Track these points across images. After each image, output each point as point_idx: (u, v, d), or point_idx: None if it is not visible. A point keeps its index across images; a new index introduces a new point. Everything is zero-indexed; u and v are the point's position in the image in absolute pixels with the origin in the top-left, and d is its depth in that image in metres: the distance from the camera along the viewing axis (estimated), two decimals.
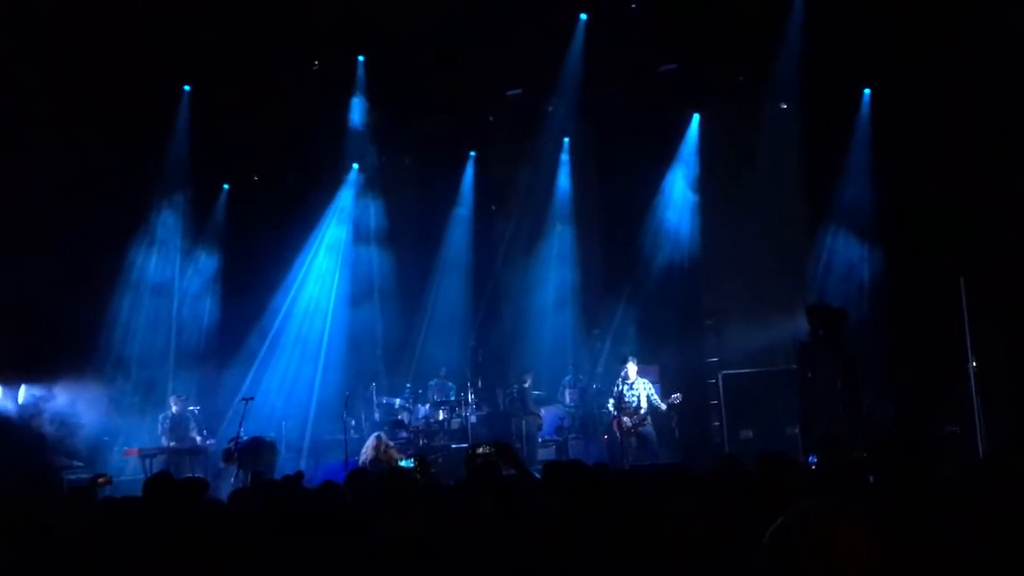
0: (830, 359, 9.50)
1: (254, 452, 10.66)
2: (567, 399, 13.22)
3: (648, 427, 11.49)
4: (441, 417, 13.04)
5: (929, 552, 2.86)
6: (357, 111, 14.13)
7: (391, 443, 11.94)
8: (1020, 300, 10.15)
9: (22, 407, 11.62)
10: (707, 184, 13.48)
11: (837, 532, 1.97)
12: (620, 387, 11.56)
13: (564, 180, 14.63)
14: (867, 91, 12.42)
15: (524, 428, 12.72)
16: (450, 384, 13.68)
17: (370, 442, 11.69)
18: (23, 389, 11.69)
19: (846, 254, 12.01)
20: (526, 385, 12.99)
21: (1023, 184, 10.28)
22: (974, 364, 10.22)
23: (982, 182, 10.65)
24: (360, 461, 11.55)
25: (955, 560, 2.91)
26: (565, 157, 14.64)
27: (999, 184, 10.51)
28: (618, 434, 11.56)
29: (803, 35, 12.05)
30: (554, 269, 14.31)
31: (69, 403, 11.86)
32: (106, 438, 12.20)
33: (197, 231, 14.37)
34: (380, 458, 11.52)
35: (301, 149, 13.97)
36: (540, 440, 12.92)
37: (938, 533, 3.17)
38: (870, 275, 11.76)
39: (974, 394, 10.18)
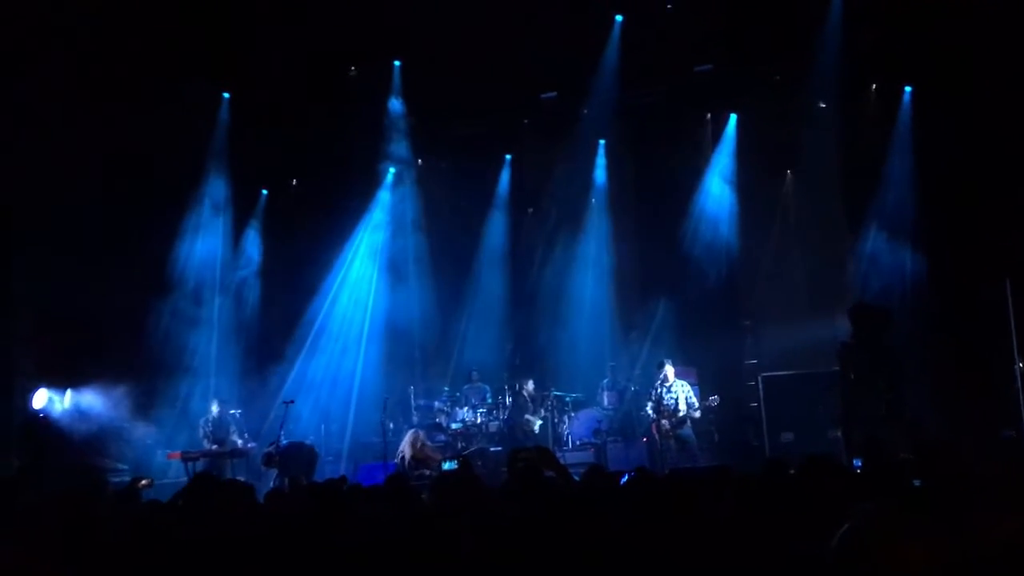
0: (873, 360, 9.36)
1: (294, 456, 10.75)
2: (605, 401, 13.17)
3: (687, 429, 11.41)
4: (479, 420, 13.05)
5: (982, 553, 2.77)
6: (394, 115, 14.21)
7: (428, 441, 11.99)
8: None
9: (67, 410, 11.81)
10: (745, 184, 13.38)
11: (904, 536, 1.93)
12: (659, 390, 11.49)
13: (600, 182, 14.60)
14: (908, 89, 12.25)
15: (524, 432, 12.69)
16: (486, 387, 13.72)
17: (407, 439, 11.74)
18: (68, 393, 11.88)
19: (888, 254, 11.84)
20: (523, 392, 12.94)
21: None
22: (1021, 365, 10.04)
23: None
24: (398, 460, 11.62)
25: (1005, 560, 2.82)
26: (601, 159, 14.60)
27: None
28: (656, 437, 11.49)
29: (842, 32, 11.92)
30: (591, 271, 14.28)
31: (113, 406, 12.03)
32: (149, 441, 12.36)
33: (236, 235, 14.51)
34: (417, 456, 11.57)
35: (338, 153, 14.06)
36: (578, 443, 12.86)
37: (986, 534, 3.07)
38: (912, 276, 11.58)
39: (1021, 395, 10.00)
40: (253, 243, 14.60)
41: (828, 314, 11.68)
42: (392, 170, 14.72)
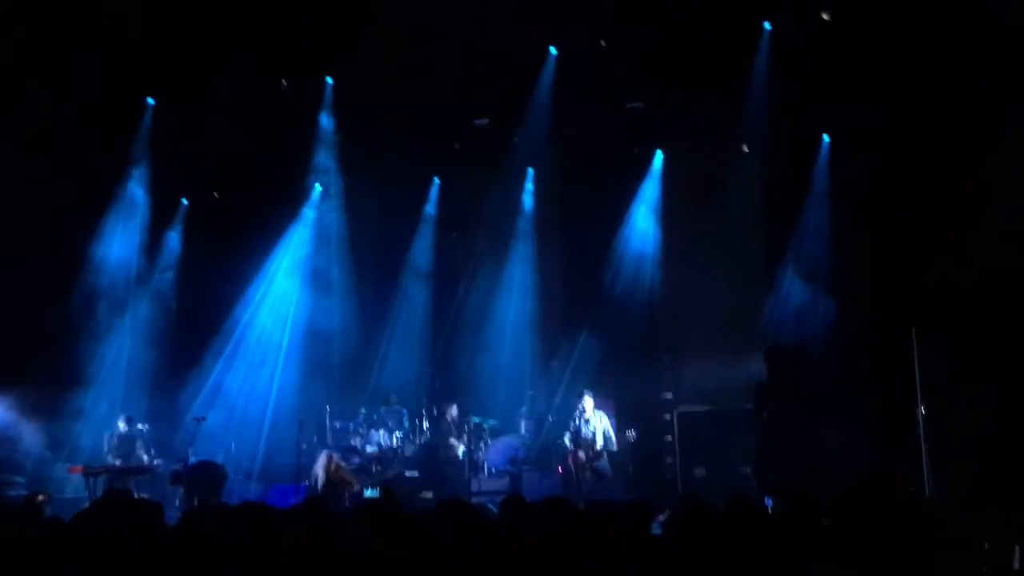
0: (786, 401, 9.60)
1: (202, 476, 10.44)
2: (523, 429, 13.17)
3: (604, 462, 11.50)
4: (395, 444, 12.91)
5: None
6: (324, 131, 14.07)
7: (342, 463, 11.78)
8: (968, 348, 10.33)
9: None
10: (670, 221, 13.64)
11: None
12: (577, 421, 11.57)
13: (528, 210, 14.71)
14: (826, 137, 12.68)
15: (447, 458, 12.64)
16: (403, 410, 13.60)
17: (320, 461, 11.51)
18: None
19: (803, 298, 12.18)
20: (446, 416, 12.92)
21: (975, 233, 10.51)
22: (922, 410, 10.41)
23: (935, 230, 10.88)
24: (311, 483, 11.39)
25: None
26: (530, 188, 14.72)
27: (951, 232, 10.74)
28: (572, 468, 11.54)
29: (768, 78, 12.28)
30: (515, 299, 14.33)
31: (11, 416, 11.53)
32: (49, 453, 11.86)
33: (154, 243, 14.14)
34: (331, 479, 11.36)
35: (265, 165, 13.84)
36: (495, 471, 12.82)
37: None
38: (825, 320, 11.92)
39: (922, 440, 10.37)
40: (172, 251, 14.26)
41: (745, 353, 11.94)
42: (319, 186, 14.57)
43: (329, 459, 11.56)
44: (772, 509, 7.35)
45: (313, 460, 11.72)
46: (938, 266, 10.66)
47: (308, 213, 14.63)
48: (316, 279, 14.51)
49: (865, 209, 11.61)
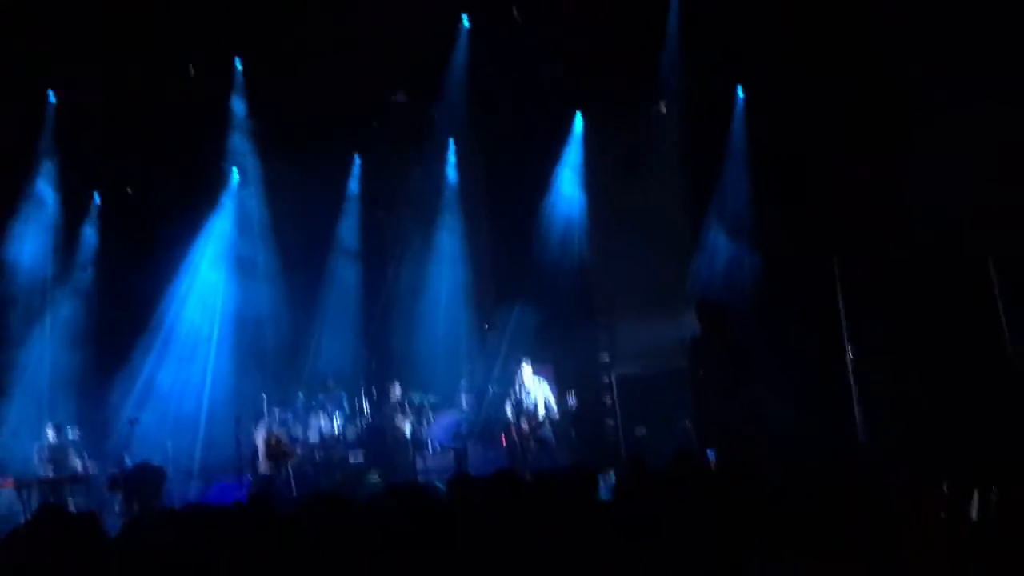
0: (719, 356, 9.74)
1: (141, 478, 10.21)
2: (464, 403, 13.17)
3: (546, 430, 11.58)
4: (336, 429, 12.80)
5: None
6: (236, 116, 13.73)
7: (282, 435, 11.61)
8: (891, 291, 10.62)
9: None
10: (594, 184, 13.69)
11: None
12: (517, 392, 11.62)
13: (453, 183, 14.62)
14: (740, 89, 12.82)
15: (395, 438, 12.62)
16: (342, 394, 13.47)
17: (259, 436, 11.32)
18: None
19: (728, 252, 12.36)
20: (390, 396, 12.89)
21: (889, 178, 10.76)
22: (851, 357, 10.69)
23: (853, 178, 11.11)
24: (250, 456, 11.21)
25: None
26: (453, 160, 14.63)
27: (868, 178, 10.98)
28: (516, 439, 11.60)
29: (680, 35, 12.35)
30: (446, 273, 14.28)
31: None
32: None
33: (68, 244, 13.69)
34: (272, 452, 11.20)
35: (177, 156, 13.45)
36: (439, 447, 12.81)
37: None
38: (751, 271, 12.13)
39: (852, 383, 10.67)
40: (88, 248, 13.83)
41: (676, 311, 12.09)
42: (236, 171, 14.26)
43: (269, 432, 11.43)
44: (715, 462, 7.51)
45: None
46: (858, 212, 10.89)
47: (228, 200, 14.30)
48: (242, 267, 14.23)
49: (782, 161, 11.78)
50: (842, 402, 10.39)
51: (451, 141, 14.53)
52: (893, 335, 10.12)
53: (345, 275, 14.60)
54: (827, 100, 11.27)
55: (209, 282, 14.11)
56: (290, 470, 11.31)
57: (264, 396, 13.16)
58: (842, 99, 11.13)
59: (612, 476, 7.39)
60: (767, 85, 12.08)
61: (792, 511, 3.70)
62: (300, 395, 13.42)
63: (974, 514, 2.79)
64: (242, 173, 14.29)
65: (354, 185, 14.87)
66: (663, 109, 13.12)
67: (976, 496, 2.81)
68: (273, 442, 11.36)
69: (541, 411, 11.55)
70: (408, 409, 12.80)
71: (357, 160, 14.88)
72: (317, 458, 12.31)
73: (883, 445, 7.99)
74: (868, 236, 10.78)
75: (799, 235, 11.50)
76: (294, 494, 10.89)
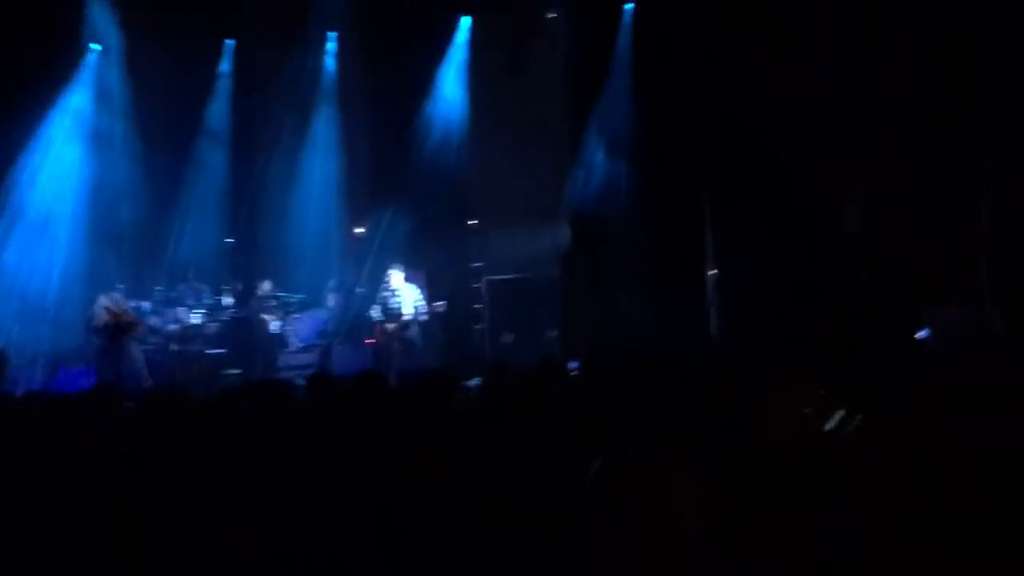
0: (590, 268, 9.91)
1: None
2: (331, 303, 12.98)
3: (412, 332, 11.56)
4: (196, 321, 12.41)
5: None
6: None
7: (127, 308, 11.16)
8: (754, 214, 10.94)
9: None
10: (477, 89, 13.45)
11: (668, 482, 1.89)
12: (385, 293, 11.53)
13: (330, 77, 14.08)
14: (630, 6, 12.73)
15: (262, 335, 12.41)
16: (203, 287, 13.03)
17: (101, 301, 10.81)
18: None
19: (606, 167, 12.42)
20: (259, 292, 12.63)
21: (764, 107, 10.99)
22: (711, 273, 11.06)
23: (731, 102, 11.28)
24: (92, 325, 10.74)
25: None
26: (332, 53, 14.07)
27: (745, 105, 11.17)
28: (382, 340, 11.56)
29: None
30: (319, 168, 13.85)
31: None
32: None
33: None
34: (119, 321, 10.71)
35: (34, 29, 12.38)
36: (303, 344, 12.64)
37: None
38: (627, 189, 12.23)
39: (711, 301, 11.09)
40: None
41: (552, 222, 12.16)
42: (97, 48, 13.28)
43: (113, 299, 10.93)
44: (578, 372, 7.65)
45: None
46: (731, 137, 11.10)
47: (87, 76, 13.33)
48: (99, 143, 13.36)
49: (664, 80, 11.82)
50: (702, 316, 10.76)
51: (332, 35, 13.93)
52: (752, 254, 10.43)
53: (212, 160, 13.93)
54: (714, 25, 11.32)
55: (63, 160, 13.20)
56: (132, 345, 10.85)
57: (120, 287, 12.60)
58: (728, 25, 11.20)
59: (476, 382, 7.41)
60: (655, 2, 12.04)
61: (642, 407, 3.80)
62: (159, 288, 12.88)
63: (829, 425, 2.89)
64: (104, 50, 13.30)
65: (226, 67, 14.10)
66: (552, 14, 12.93)
67: (839, 414, 2.90)
68: (118, 309, 10.85)
69: (409, 312, 11.51)
70: (275, 305, 12.53)
71: (230, 43, 14.08)
72: (173, 349, 11.93)
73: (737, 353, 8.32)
74: (738, 160, 11.03)
75: (674, 155, 11.65)
76: (147, 383, 10.53)
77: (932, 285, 9.29)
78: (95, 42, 13.23)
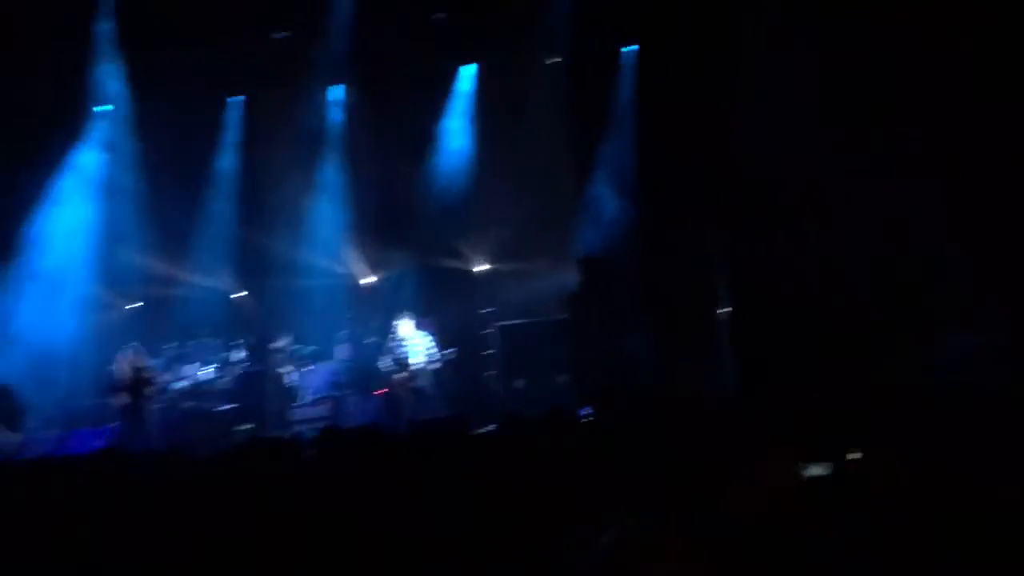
0: (598, 311, 9.86)
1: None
2: (341, 353, 12.97)
3: (424, 381, 11.53)
4: (207, 378, 12.42)
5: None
6: (102, 48, 12.95)
7: (146, 365, 11.19)
8: (764, 252, 10.88)
9: None
10: (481, 135, 13.55)
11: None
12: (394, 343, 11.56)
13: (336, 130, 14.20)
14: (625, 49, 12.83)
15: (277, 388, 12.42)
16: (215, 342, 13.07)
17: (125, 356, 10.83)
18: None
19: (611, 209, 12.44)
20: (277, 347, 12.66)
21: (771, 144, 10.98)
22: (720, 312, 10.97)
23: (731, 140, 11.29)
24: (112, 381, 10.77)
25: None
26: (338, 106, 14.22)
27: (746, 141, 11.17)
28: (394, 390, 11.53)
29: None
30: (328, 221, 13.92)
31: None
32: None
33: None
34: (140, 375, 10.73)
35: (39, 88, 12.60)
36: (315, 397, 12.61)
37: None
38: (633, 229, 12.22)
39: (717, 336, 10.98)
40: None
41: (558, 265, 12.16)
42: (108, 108, 13.50)
43: (135, 355, 11.00)
44: (590, 419, 7.59)
45: None
46: (735, 177, 11.08)
47: (96, 133, 13.57)
48: (109, 200, 13.52)
49: (668, 119, 11.85)
50: (713, 357, 10.66)
51: (339, 89, 14.10)
52: (762, 292, 10.35)
53: (220, 207, 14.03)
54: (715, 59, 11.36)
55: (73, 225, 13.36)
56: (148, 406, 10.90)
57: (135, 344, 12.64)
58: (730, 64, 11.23)
59: (491, 428, 7.38)
60: (659, 43, 12.11)
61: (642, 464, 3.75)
62: (174, 344, 12.94)
63: (817, 472, 2.84)
64: (111, 109, 13.50)
65: (234, 124, 14.27)
66: (552, 60, 13.06)
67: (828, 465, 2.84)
68: (140, 364, 10.92)
69: (420, 362, 11.49)
70: (290, 358, 12.57)
71: (230, 101, 14.27)
72: (185, 406, 11.92)
73: (750, 399, 8.21)
74: (744, 197, 10.99)
75: (679, 194, 11.65)
76: (151, 444, 10.52)
77: (941, 312, 9.18)
78: (104, 100, 13.44)
